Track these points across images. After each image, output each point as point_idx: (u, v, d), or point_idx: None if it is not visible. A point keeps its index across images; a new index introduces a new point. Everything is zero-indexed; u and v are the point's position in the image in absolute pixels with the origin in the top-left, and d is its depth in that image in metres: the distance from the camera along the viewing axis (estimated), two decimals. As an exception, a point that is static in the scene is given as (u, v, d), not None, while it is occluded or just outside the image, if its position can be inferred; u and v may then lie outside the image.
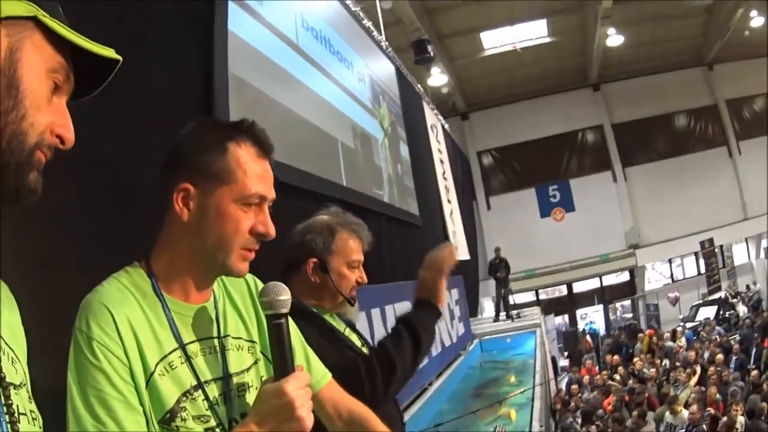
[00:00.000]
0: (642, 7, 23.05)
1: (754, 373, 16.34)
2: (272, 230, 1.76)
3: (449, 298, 14.06)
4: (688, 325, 24.55)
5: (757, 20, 22.90)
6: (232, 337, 1.83)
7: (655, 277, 29.80)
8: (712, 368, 16.77)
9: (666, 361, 20.09)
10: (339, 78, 9.98)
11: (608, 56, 26.52)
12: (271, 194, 1.78)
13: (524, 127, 29.33)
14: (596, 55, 25.52)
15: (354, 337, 2.99)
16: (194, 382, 1.67)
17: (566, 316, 30.02)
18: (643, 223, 28.44)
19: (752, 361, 18.39)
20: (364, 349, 2.94)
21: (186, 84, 5.96)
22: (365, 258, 3.03)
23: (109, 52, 1.26)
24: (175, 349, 1.67)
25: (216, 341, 1.78)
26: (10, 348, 1.21)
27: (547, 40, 25.23)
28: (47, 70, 1.18)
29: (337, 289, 2.87)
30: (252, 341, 1.90)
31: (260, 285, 1.94)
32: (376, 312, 8.89)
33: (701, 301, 26.99)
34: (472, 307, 20.34)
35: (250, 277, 1.95)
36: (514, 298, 22.01)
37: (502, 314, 20.09)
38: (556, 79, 28.81)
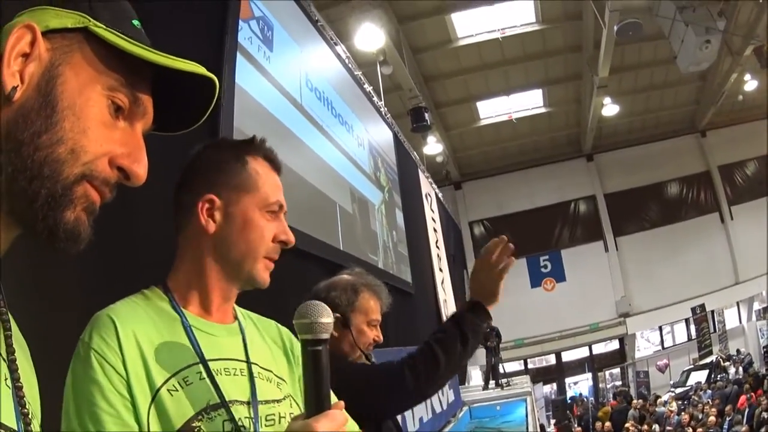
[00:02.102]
0: (638, 75, 23.46)
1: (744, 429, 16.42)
2: (293, 237, 1.78)
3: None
4: (679, 390, 24.56)
5: (751, 83, 23.09)
6: (261, 367, 1.72)
7: (644, 345, 29.81)
8: (701, 430, 16.82)
9: (656, 426, 20.07)
10: (339, 141, 9.92)
11: (602, 126, 26.77)
12: (285, 203, 1.81)
13: (517, 198, 29.53)
14: (591, 125, 25.76)
15: None
16: (215, 401, 1.54)
17: (554, 385, 29.92)
18: (633, 292, 28.46)
19: (744, 420, 18.63)
20: None
21: (190, 136, 5.83)
22: None
23: (191, 67, 1.11)
24: (193, 364, 1.56)
25: (244, 365, 1.68)
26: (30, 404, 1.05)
27: (543, 110, 25.49)
28: (103, 88, 1.04)
29: (356, 344, 3.00)
30: (282, 378, 1.78)
31: (294, 340, 1.91)
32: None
33: (692, 366, 26.92)
34: (460, 375, 20.30)
35: (284, 329, 1.93)
36: (503, 367, 21.89)
37: (492, 383, 20.03)
38: (550, 149, 29.11)
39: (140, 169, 1.08)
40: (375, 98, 13.29)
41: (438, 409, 12.98)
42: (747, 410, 19.07)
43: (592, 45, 20.21)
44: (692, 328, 28.83)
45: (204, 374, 1.56)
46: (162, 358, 1.53)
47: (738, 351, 27.41)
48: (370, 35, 14.90)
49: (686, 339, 29.43)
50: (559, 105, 25.45)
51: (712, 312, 28.54)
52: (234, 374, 1.63)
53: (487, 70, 22.05)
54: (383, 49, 15.89)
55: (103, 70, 1.04)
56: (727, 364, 26.01)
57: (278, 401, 1.70)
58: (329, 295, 3.00)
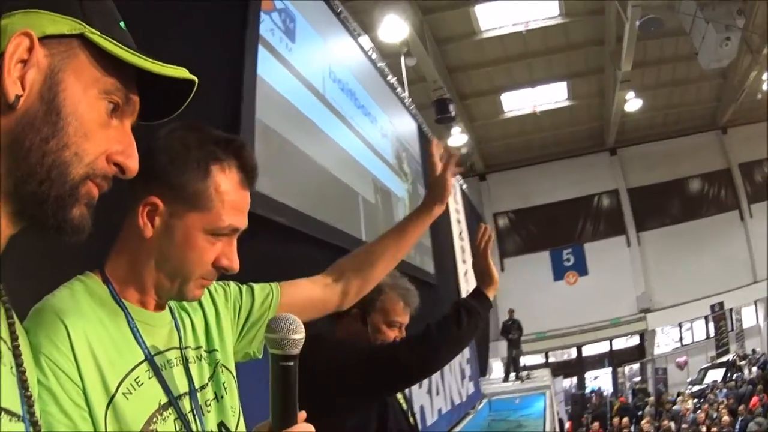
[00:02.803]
0: (660, 71, 23.30)
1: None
2: (236, 264, 1.66)
3: (461, 358, 13.97)
4: (695, 388, 24.53)
5: (769, 83, 22.82)
6: (192, 348, 1.71)
7: (664, 341, 29.67)
8: (715, 429, 16.72)
9: (671, 424, 19.98)
10: (363, 132, 9.91)
11: (625, 121, 26.62)
12: (244, 225, 1.68)
13: (541, 190, 29.46)
14: (614, 119, 25.67)
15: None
16: (164, 399, 1.51)
17: (575, 379, 29.82)
18: (654, 288, 28.34)
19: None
20: (401, 398, 3.25)
21: (213, 127, 5.87)
22: None
23: (176, 72, 1.20)
24: (141, 362, 1.51)
25: (179, 352, 1.65)
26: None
27: (567, 103, 25.38)
28: (99, 92, 1.11)
29: (372, 342, 3.09)
30: (210, 350, 1.78)
31: (242, 289, 2.04)
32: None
33: (709, 364, 26.77)
34: (481, 367, 20.22)
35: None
36: (524, 360, 21.87)
37: (512, 375, 20.11)
38: (573, 142, 29.03)
39: (134, 163, 1.17)
40: (399, 89, 13.26)
41: (457, 401, 12.98)
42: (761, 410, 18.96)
43: (615, 39, 20.18)
44: (711, 325, 28.73)
45: (152, 372, 1.52)
46: (113, 360, 1.46)
47: (753, 351, 27.26)
48: (394, 27, 14.89)
49: (705, 336, 29.30)
50: (582, 98, 25.38)
51: (731, 310, 28.46)
52: (176, 365, 1.61)
53: (510, 62, 22.07)
54: (407, 40, 15.89)
55: (100, 75, 1.11)
56: (742, 363, 25.88)
57: (206, 385, 1.69)
58: None
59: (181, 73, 1.20)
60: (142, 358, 1.52)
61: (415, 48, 16.78)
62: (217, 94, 5.99)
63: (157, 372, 1.52)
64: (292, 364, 1.41)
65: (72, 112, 1.06)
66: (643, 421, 21.05)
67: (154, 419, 1.47)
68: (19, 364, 1.10)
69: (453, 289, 16.71)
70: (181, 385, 1.58)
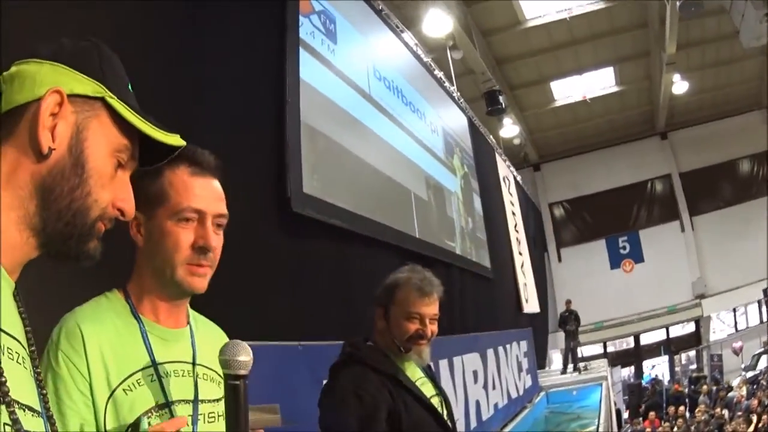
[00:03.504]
0: (704, 52, 22.92)
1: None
2: (211, 242, 1.81)
3: (518, 351, 13.95)
4: (749, 374, 23.96)
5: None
6: (206, 367, 1.87)
7: (719, 327, 29.05)
8: (766, 417, 16.42)
9: (725, 411, 19.66)
10: (411, 128, 9.87)
11: (674, 104, 26.25)
12: (213, 209, 1.85)
13: (594, 178, 29.16)
14: (663, 102, 25.32)
15: (429, 385, 3.19)
16: (161, 401, 1.71)
17: (632, 368, 29.47)
18: (709, 273, 27.81)
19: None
20: (434, 399, 3.12)
21: (258, 133, 5.91)
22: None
23: (174, 140, 1.39)
24: (146, 367, 1.72)
25: (191, 367, 1.84)
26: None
27: (615, 89, 25.08)
28: (113, 150, 1.29)
29: (391, 337, 3.09)
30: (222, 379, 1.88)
31: None
32: (443, 363, 8.86)
33: (763, 350, 26.13)
34: (540, 359, 20.24)
35: (223, 338, 2.06)
36: (582, 351, 21.69)
37: (570, 366, 20.04)
38: (624, 128, 28.67)
39: (131, 208, 1.34)
40: (447, 84, 13.21)
41: (514, 395, 13.01)
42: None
43: (658, 21, 19.91)
44: (764, 310, 27.96)
45: (155, 377, 1.72)
46: (120, 362, 1.68)
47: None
48: (438, 20, 14.81)
49: (759, 321, 28.46)
50: (631, 83, 25.09)
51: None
52: (181, 376, 1.79)
53: (557, 50, 21.90)
54: (452, 33, 15.81)
55: (115, 136, 1.29)
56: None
57: (218, 400, 1.83)
58: (378, 291, 3.21)
59: (176, 141, 1.40)
60: (148, 364, 1.72)
61: (460, 41, 16.70)
62: (261, 101, 6.02)
63: (158, 377, 1.71)
64: (239, 383, 1.58)
65: (94, 166, 1.24)
66: (697, 410, 20.72)
67: (149, 414, 1.66)
68: (35, 366, 1.22)
69: (510, 281, 16.65)
70: (183, 393, 1.76)
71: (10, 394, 1.06)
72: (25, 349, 1.19)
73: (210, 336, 1.99)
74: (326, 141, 6.96)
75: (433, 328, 3.12)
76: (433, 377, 3.31)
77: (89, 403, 1.62)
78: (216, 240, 1.84)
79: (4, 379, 1.06)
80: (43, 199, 1.18)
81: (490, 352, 11.28)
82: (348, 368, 3.01)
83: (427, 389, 3.14)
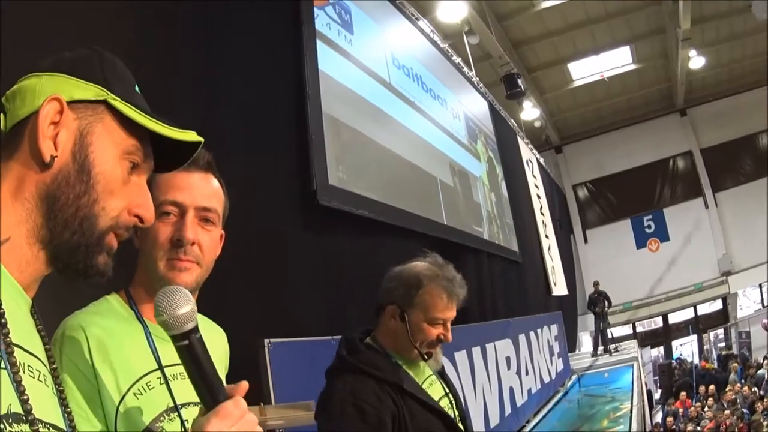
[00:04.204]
0: (719, 27, 22.70)
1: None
2: (187, 234, 1.76)
3: (549, 335, 13.91)
4: None
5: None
6: None
7: (746, 304, 28.61)
8: None
9: (755, 389, 19.49)
10: (434, 115, 9.83)
11: (692, 79, 25.97)
12: (195, 202, 1.80)
13: (617, 158, 28.89)
14: (680, 79, 25.04)
15: (437, 385, 2.92)
16: (171, 404, 1.65)
17: (662, 348, 29.21)
18: (734, 249, 27.40)
19: None
20: (443, 401, 2.85)
21: (281, 127, 5.90)
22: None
23: (186, 136, 1.33)
24: (153, 371, 1.67)
25: None
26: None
27: (633, 67, 24.89)
28: (122, 153, 1.25)
29: (412, 342, 2.77)
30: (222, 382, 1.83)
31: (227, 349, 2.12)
32: (476, 350, 8.75)
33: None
34: (570, 343, 20.14)
35: (222, 339, 2.09)
36: (612, 332, 21.56)
37: (600, 349, 19.96)
38: (644, 106, 28.41)
39: (151, 214, 1.31)
40: (465, 69, 13.15)
41: (546, 379, 12.97)
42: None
43: (671, -2, 19.67)
44: (790, 283, 27.63)
45: (162, 379, 1.66)
46: (128, 365, 1.63)
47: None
48: (453, 7, 14.73)
49: None
50: (647, 60, 24.87)
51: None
52: (186, 378, 1.60)
53: (572, 30, 21.71)
54: (467, 19, 15.71)
55: (122, 138, 1.25)
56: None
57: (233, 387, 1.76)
58: (390, 285, 2.85)
59: (190, 136, 1.33)
60: (155, 367, 1.66)
61: (476, 26, 16.60)
62: (281, 96, 6.01)
63: (166, 380, 1.66)
64: (187, 342, 1.33)
65: (100, 171, 1.20)
66: (728, 388, 20.54)
67: (162, 418, 1.62)
68: (58, 384, 1.21)
69: (538, 265, 16.61)
70: (190, 396, 1.58)
71: (33, 412, 1.05)
72: (46, 367, 1.18)
73: (210, 336, 1.79)
74: (350, 131, 6.94)
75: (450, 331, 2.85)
76: (442, 374, 3.03)
77: (98, 409, 1.57)
78: (198, 234, 1.78)
79: (26, 397, 1.05)
80: (48, 208, 1.16)
81: (522, 338, 11.21)
82: (344, 375, 2.71)
83: (436, 390, 2.88)
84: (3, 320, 1.05)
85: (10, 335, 1.06)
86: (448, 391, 2.92)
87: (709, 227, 27.93)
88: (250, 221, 4.77)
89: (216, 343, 1.98)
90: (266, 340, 4.39)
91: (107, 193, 1.21)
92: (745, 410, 18.42)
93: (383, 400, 2.61)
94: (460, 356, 8.05)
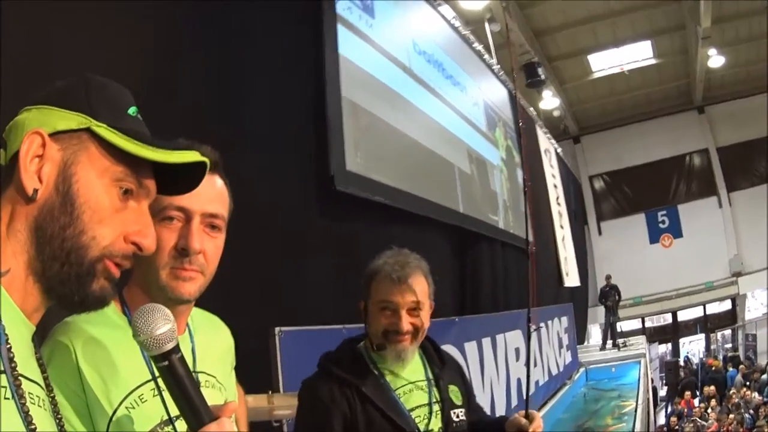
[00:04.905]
0: (737, 26, 22.64)
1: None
2: (193, 243, 1.65)
3: (558, 326, 13.90)
4: None
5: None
6: (207, 374, 1.77)
7: (754, 306, 28.44)
8: None
9: (755, 395, 19.44)
10: (453, 102, 9.77)
11: (710, 77, 25.89)
12: (202, 207, 1.69)
13: (634, 151, 28.80)
14: (699, 76, 24.97)
15: (419, 394, 2.71)
16: (165, 417, 1.55)
17: (669, 345, 29.24)
18: (745, 250, 27.31)
19: None
20: (420, 410, 2.67)
21: (299, 112, 5.86)
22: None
23: (183, 157, 1.30)
24: (147, 382, 1.58)
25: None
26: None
27: (653, 61, 24.77)
28: (111, 180, 1.22)
29: (368, 335, 2.75)
30: (222, 384, 1.84)
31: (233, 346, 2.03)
32: (486, 341, 8.74)
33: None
34: (579, 334, 20.18)
35: (228, 338, 2.01)
36: (621, 326, 21.51)
37: (609, 343, 19.98)
38: (662, 101, 28.35)
39: (150, 242, 1.28)
40: (486, 56, 13.06)
41: (554, 372, 12.99)
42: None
43: (691, -6, 19.56)
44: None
45: (156, 391, 1.55)
46: (120, 377, 1.55)
47: None
48: (476, -7, 14.64)
49: None
50: (667, 56, 24.79)
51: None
52: None
53: (594, 22, 21.71)
54: (489, 6, 15.61)
55: (109, 164, 1.22)
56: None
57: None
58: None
59: (186, 157, 1.30)
60: (148, 378, 1.56)
61: (498, 13, 16.48)
62: (300, 79, 5.98)
63: (160, 392, 1.53)
64: (167, 363, 1.31)
65: (85, 201, 1.18)
66: (732, 392, 20.47)
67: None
68: (56, 411, 1.22)
69: (552, 255, 16.55)
70: None
71: None
72: (44, 390, 1.20)
73: (212, 336, 1.89)
74: (369, 117, 6.90)
75: (413, 320, 2.65)
76: (439, 379, 2.77)
77: (89, 423, 1.49)
78: (205, 242, 1.69)
79: (33, 427, 1.07)
80: (38, 241, 1.16)
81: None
82: (313, 378, 2.70)
83: (414, 398, 2.69)
84: (11, 354, 1.07)
85: (17, 368, 1.08)
86: (437, 399, 2.73)
87: (722, 227, 27.90)
88: (266, 206, 4.73)
89: (218, 342, 1.92)
90: (277, 329, 4.41)
91: (95, 223, 1.19)
92: (747, 415, 18.37)
93: (336, 401, 2.56)
94: (470, 346, 8.04)
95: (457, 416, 2.73)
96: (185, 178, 1.36)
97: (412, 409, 2.64)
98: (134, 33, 3.87)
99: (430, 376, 2.77)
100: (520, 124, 9.00)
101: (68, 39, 3.35)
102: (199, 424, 1.28)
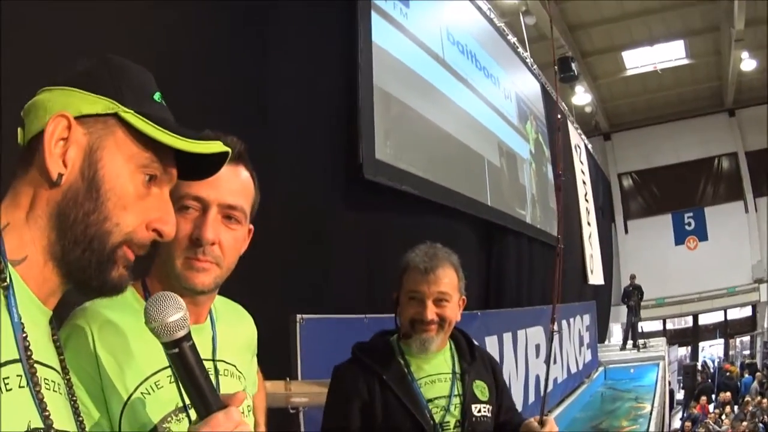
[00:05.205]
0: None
1: None
2: (207, 234, 1.63)
3: (580, 324, 13.83)
4: None
5: None
6: (226, 363, 1.77)
7: None
8: None
9: (765, 401, 19.29)
10: (485, 94, 9.71)
11: (742, 80, 25.63)
12: (219, 198, 1.67)
13: (664, 151, 28.62)
14: (731, 78, 24.79)
15: (439, 386, 2.73)
16: (180, 404, 1.55)
17: (689, 348, 29.01)
18: (770, 257, 27.04)
19: None
20: (439, 401, 2.69)
21: (330, 99, 5.84)
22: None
23: (206, 147, 1.28)
24: (163, 368, 1.57)
25: (211, 363, 1.70)
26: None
27: (686, 61, 24.58)
28: (136, 167, 1.21)
29: (397, 325, 2.80)
30: (242, 372, 1.83)
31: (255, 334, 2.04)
32: (507, 336, 8.74)
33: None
34: (601, 333, 20.17)
35: (251, 326, 2.01)
36: (642, 326, 21.38)
37: (629, 343, 19.94)
38: (693, 102, 28.12)
39: (171, 228, 1.27)
40: (520, 49, 12.98)
41: (573, 370, 12.97)
42: None
43: (726, -5, 19.38)
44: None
45: (173, 378, 1.54)
46: (136, 363, 1.54)
47: None
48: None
49: None
50: (700, 57, 24.57)
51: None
52: None
53: (628, 19, 21.57)
54: (525, -1, 15.56)
55: (135, 151, 1.20)
56: None
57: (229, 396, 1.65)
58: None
59: (212, 148, 1.29)
60: (166, 364, 1.54)
61: (533, 6, 16.42)
62: (333, 65, 5.96)
63: (176, 378, 1.48)
64: (177, 350, 1.29)
65: (111, 188, 1.17)
66: (747, 399, 20.32)
67: (169, 419, 1.54)
68: (71, 394, 1.22)
69: (578, 252, 16.49)
70: None
71: (53, 426, 1.07)
72: (60, 374, 1.19)
73: (234, 326, 1.88)
74: (400, 106, 6.87)
75: (439, 311, 2.67)
76: (465, 373, 2.78)
77: (102, 406, 1.49)
78: (220, 233, 1.66)
79: (47, 413, 1.07)
80: (59, 226, 1.15)
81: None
82: (342, 365, 2.79)
83: (436, 389, 2.71)
84: (26, 343, 1.06)
85: (33, 356, 1.07)
86: (459, 392, 2.73)
87: (747, 232, 27.74)
88: (295, 193, 4.72)
89: (240, 332, 1.91)
90: (298, 316, 4.40)
91: (119, 209, 1.18)
92: (761, 424, 18.25)
93: (358, 387, 2.64)
94: (491, 341, 8.04)
95: (479, 411, 2.73)
96: (206, 166, 1.35)
97: (431, 400, 2.67)
98: (166, 18, 3.86)
99: (457, 369, 2.78)
100: (558, 117, 8.88)
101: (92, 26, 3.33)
102: (207, 411, 1.28)
